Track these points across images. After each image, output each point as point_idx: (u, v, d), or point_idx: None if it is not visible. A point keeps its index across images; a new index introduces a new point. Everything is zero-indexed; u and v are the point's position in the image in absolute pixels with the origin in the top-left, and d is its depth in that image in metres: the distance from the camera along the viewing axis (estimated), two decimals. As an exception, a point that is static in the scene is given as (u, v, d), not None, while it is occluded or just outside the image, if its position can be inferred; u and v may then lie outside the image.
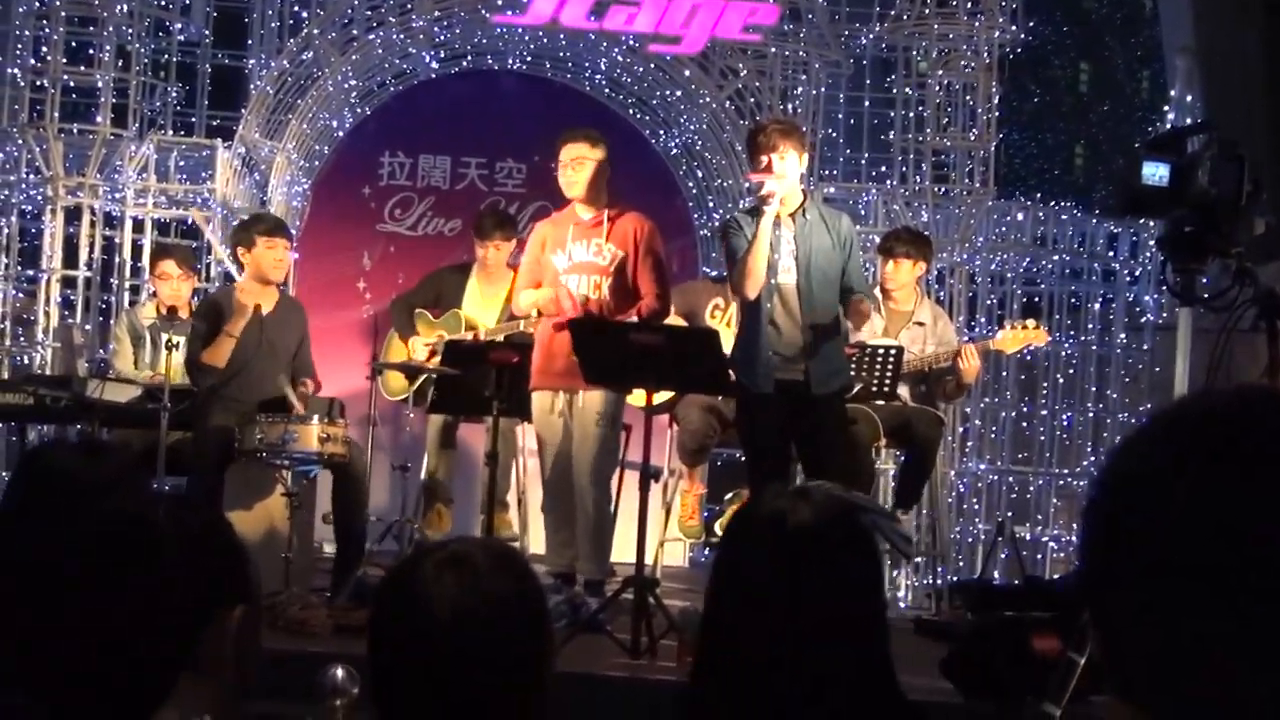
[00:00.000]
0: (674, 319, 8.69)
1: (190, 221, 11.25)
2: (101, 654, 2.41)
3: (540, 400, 8.09)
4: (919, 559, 10.20)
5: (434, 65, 11.97)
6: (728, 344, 7.65)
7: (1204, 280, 4.55)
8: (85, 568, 2.45)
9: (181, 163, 11.07)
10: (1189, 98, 11.06)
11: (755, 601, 2.58)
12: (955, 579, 9.85)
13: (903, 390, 9.11)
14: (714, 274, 10.00)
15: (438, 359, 9.00)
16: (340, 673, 3.22)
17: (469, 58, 12.10)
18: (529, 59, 12.10)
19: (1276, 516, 1.28)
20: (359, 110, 11.99)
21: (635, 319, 7.88)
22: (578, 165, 8.02)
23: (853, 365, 8.53)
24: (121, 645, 2.40)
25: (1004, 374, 11.39)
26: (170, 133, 11.47)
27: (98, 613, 2.41)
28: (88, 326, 10.81)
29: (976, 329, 11.09)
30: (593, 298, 7.97)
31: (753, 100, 11.44)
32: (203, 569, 2.48)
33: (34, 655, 2.45)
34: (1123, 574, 1.35)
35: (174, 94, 11.70)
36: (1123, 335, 11.69)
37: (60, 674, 2.44)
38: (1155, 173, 4.26)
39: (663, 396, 8.63)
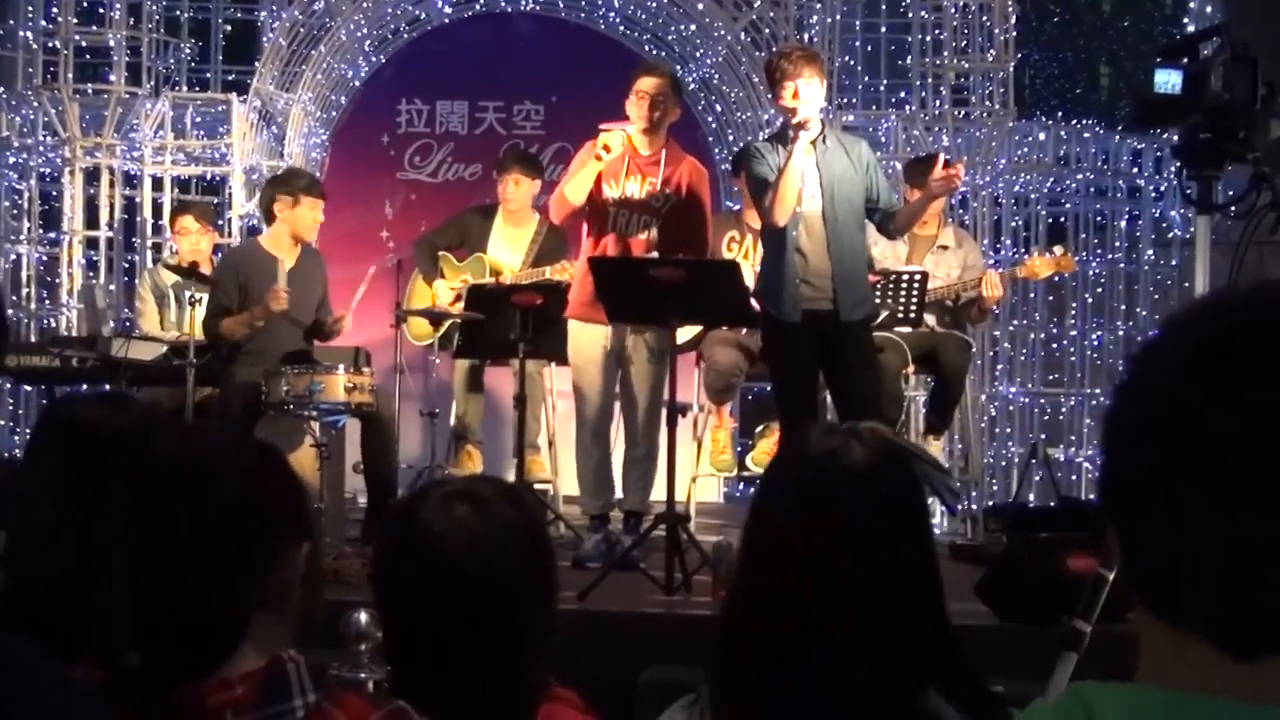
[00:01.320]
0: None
1: (210, 178, 11.25)
2: (179, 595, 2.43)
3: (582, 332, 7.97)
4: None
5: (447, 10, 11.93)
6: (747, 277, 7.61)
7: (1229, 192, 4.51)
8: (155, 511, 2.46)
9: (198, 119, 11.06)
10: (1208, 9, 10.93)
11: (797, 539, 2.53)
12: (990, 503, 9.82)
13: (929, 317, 9.07)
14: (735, 206, 9.93)
15: (462, 304, 8.98)
16: (364, 617, 3.21)
17: (481, 1, 12.04)
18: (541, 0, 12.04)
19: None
20: (374, 59, 11.96)
21: None
22: (657, 103, 7.88)
23: (878, 292, 8.49)
24: (198, 584, 2.42)
25: (1032, 295, 11.32)
26: (185, 89, 11.45)
27: (172, 555, 2.43)
28: (111, 287, 10.82)
29: (1002, 251, 11.02)
30: (638, 237, 7.90)
31: (768, 31, 11.36)
32: (268, 506, 2.50)
33: (114, 602, 2.47)
34: (1135, 476, 1.33)
35: (187, 50, 11.67)
36: (1150, 252, 11.61)
37: (143, 618, 2.46)
38: (1168, 80, 4.22)
39: (687, 334, 8.59)
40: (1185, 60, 4.33)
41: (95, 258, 10.87)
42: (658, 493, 7.82)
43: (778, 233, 7.41)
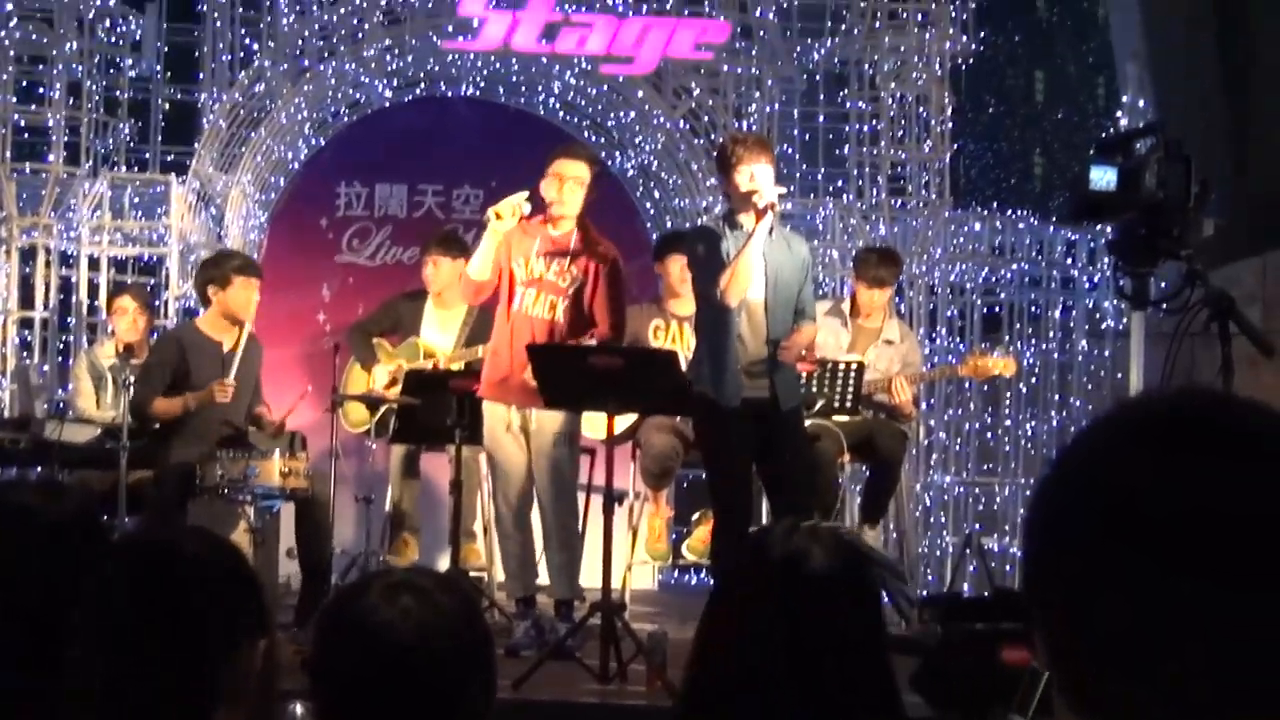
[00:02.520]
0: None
1: (147, 259, 11.22)
2: (139, 693, 2.40)
3: (493, 413, 7.94)
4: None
5: (387, 94, 11.96)
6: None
7: (1163, 285, 4.56)
8: (112, 604, 2.44)
9: (136, 199, 11.04)
10: (1141, 103, 11.09)
11: (757, 639, 2.53)
12: (924, 593, 9.83)
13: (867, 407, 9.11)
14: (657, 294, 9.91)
15: (399, 388, 8.97)
16: (299, 709, 3.19)
17: (422, 85, 12.09)
18: (482, 84, 12.08)
19: (1201, 504, 1.28)
20: (313, 141, 11.97)
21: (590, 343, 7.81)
22: (576, 184, 7.89)
23: (815, 381, 8.53)
24: (157, 682, 2.40)
25: (967, 386, 11.37)
26: (124, 169, 11.42)
27: (130, 651, 2.41)
28: (45, 367, 10.75)
29: (938, 340, 11.10)
30: (546, 318, 7.89)
31: (707, 119, 11.44)
32: (226, 600, 2.49)
33: (70, 692, 2.45)
34: (1073, 552, 1.34)
35: (127, 130, 11.65)
36: (1084, 343, 11.69)
37: (100, 713, 2.43)
38: (1103, 177, 4.27)
39: (623, 424, 8.58)
40: (1120, 157, 4.38)
41: (30, 338, 10.80)
42: (590, 578, 7.80)
43: (721, 317, 7.41)
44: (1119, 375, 11.25)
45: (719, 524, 7.74)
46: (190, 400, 8.49)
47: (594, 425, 8.07)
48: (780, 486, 7.51)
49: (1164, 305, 4.46)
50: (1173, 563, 1.27)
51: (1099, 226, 10.87)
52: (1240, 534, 1.27)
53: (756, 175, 7.33)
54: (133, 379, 8.35)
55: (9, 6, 10.84)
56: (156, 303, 10.54)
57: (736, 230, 7.40)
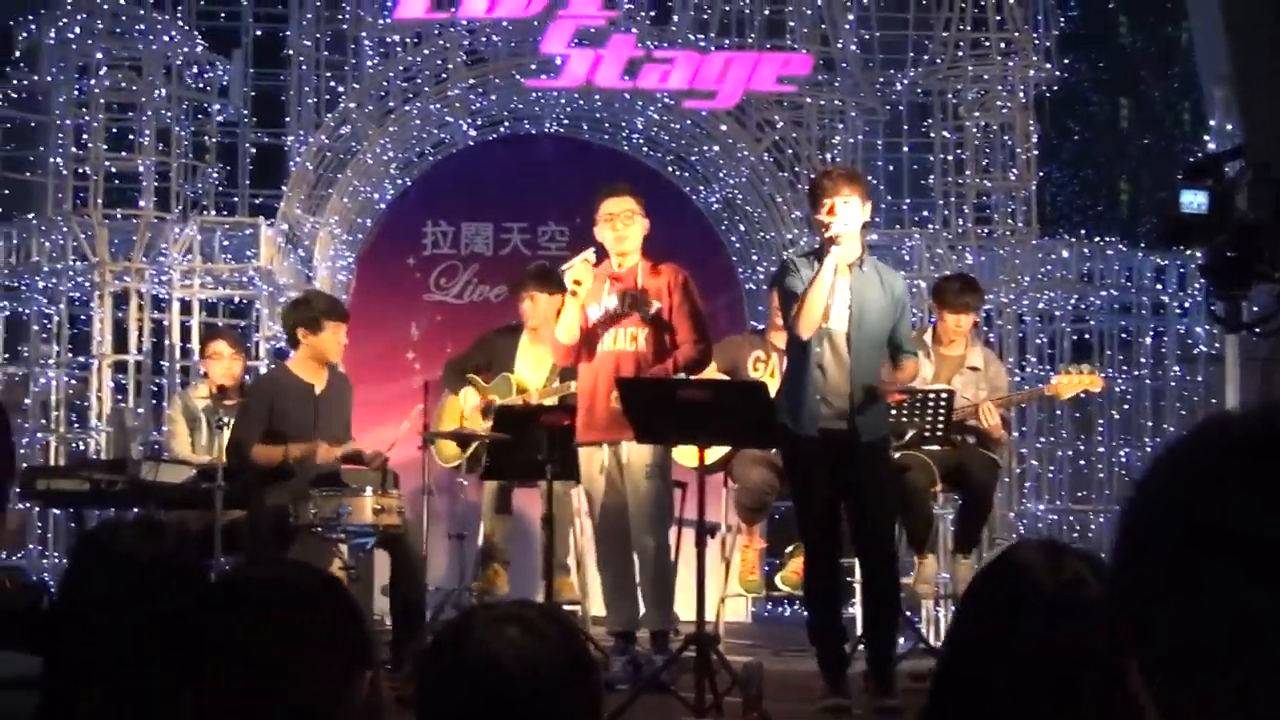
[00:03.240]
0: (716, 375, 8.66)
1: (237, 301, 11.32)
2: None
3: (586, 456, 8.02)
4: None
5: (471, 133, 12.03)
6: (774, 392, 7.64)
7: (1254, 309, 4.52)
8: (222, 640, 2.47)
9: (226, 243, 11.14)
10: (1229, 126, 11.00)
11: (1031, 665, 2.43)
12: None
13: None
14: (760, 326, 9.95)
15: (489, 420, 9.00)
16: (398, 743, 3.21)
17: (506, 123, 12.16)
18: (566, 121, 12.14)
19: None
20: (399, 181, 12.06)
21: (671, 367, 7.85)
22: (628, 219, 7.97)
23: (904, 411, 8.50)
24: (267, 714, 2.42)
25: (1059, 413, 11.32)
26: (213, 213, 11.54)
27: (239, 685, 2.43)
28: (140, 410, 10.86)
29: (1028, 369, 11.05)
30: (630, 350, 7.93)
31: (791, 151, 11.45)
32: (334, 633, 2.50)
33: None
34: (1140, 575, 1.34)
35: (215, 175, 11.76)
36: (1176, 368, 11.61)
37: None
38: (1194, 200, 4.25)
39: (715, 454, 8.59)
40: (1210, 180, 4.36)
41: (124, 381, 10.92)
42: (685, 612, 7.80)
43: (802, 347, 7.43)
44: (1212, 400, 11.16)
45: (805, 556, 7.75)
46: (293, 451, 8.56)
47: (687, 455, 8.09)
48: (861, 519, 7.49)
49: (1258, 328, 4.43)
50: (1249, 573, 1.27)
51: (1188, 251, 10.80)
52: None
53: (837, 208, 7.33)
54: (227, 420, 8.41)
55: (99, 56, 10.99)
56: (248, 345, 10.63)
57: (814, 261, 7.42)
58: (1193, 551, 1.30)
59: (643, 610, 8.01)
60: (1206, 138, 11.81)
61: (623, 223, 7.96)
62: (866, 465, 7.43)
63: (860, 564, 8.09)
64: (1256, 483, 1.29)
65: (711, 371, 8.51)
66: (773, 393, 7.72)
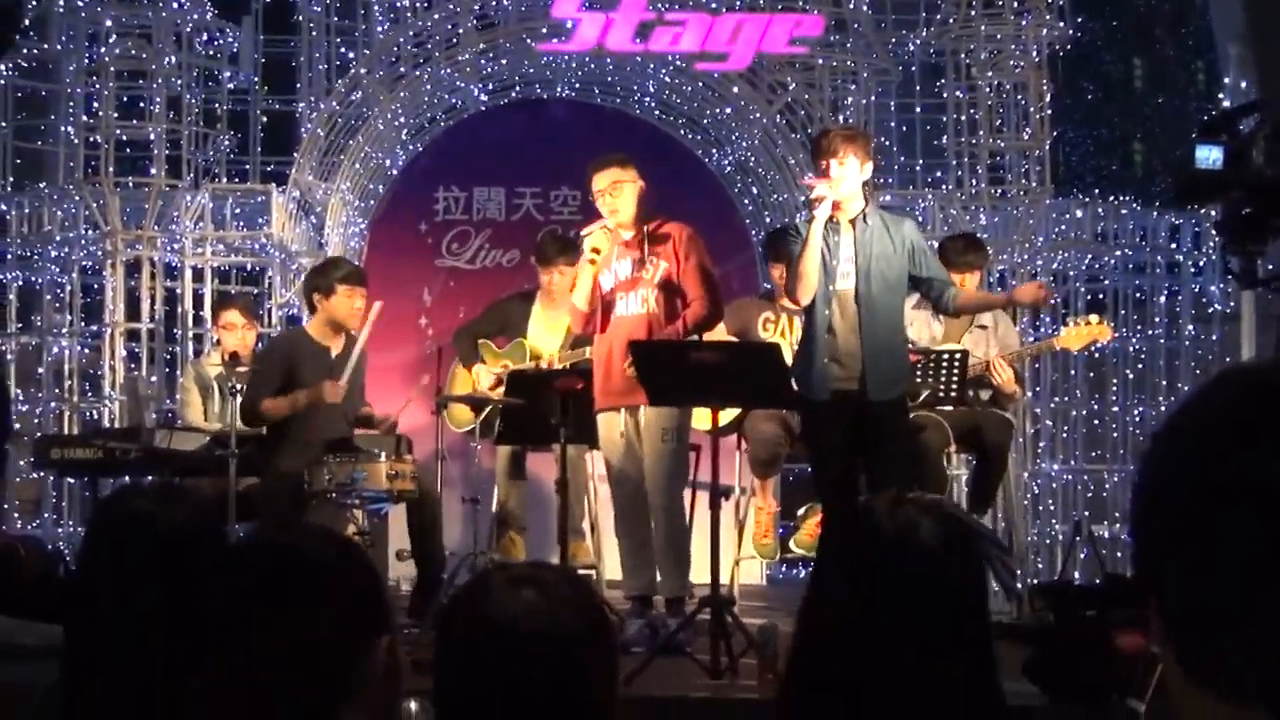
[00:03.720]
0: (726, 337, 8.66)
1: (250, 269, 11.32)
2: (267, 691, 2.43)
3: (604, 421, 8.04)
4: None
5: (483, 98, 12.00)
6: (788, 357, 7.63)
7: (1269, 265, 4.50)
8: (244, 603, 2.47)
9: (237, 210, 11.14)
10: (1244, 84, 10.95)
11: (862, 615, 2.54)
12: (1035, 581, 9.76)
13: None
14: (769, 287, 9.92)
15: (503, 388, 9.00)
16: (414, 706, 3.20)
17: (517, 88, 12.12)
18: (577, 85, 12.11)
19: None
20: (411, 147, 12.03)
21: (682, 327, 7.85)
22: (616, 190, 7.98)
23: (918, 372, 8.47)
24: (287, 679, 2.42)
25: (1073, 373, 11.30)
26: (225, 181, 11.53)
27: (259, 649, 2.43)
28: (153, 378, 10.87)
29: (1042, 329, 11.02)
30: (642, 313, 7.94)
31: (803, 113, 11.41)
32: (353, 598, 2.50)
33: (204, 695, 2.48)
34: (1156, 528, 1.33)
35: (226, 142, 11.75)
36: (1190, 327, 11.57)
37: (225, 714, 2.46)
38: (1209, 156, 4.22)
39: (728, 416, 8.58)
40: (1225, 136, 4.33)
41: (137, 350, 10.93)
42: (700, 575, 7.80)
43: (811, 311, 7.44)
44: (1227, 359, 11.13)
45: (822, 517, 7.75)
46: (301, 398, 8.54)
47: (700, 418, 8.09)
48: (877, 479, 7.48)
49: (1273, 284, 4.40)
50: (1266, 526, 1.26)
51: (1202, 210, 10.76)
52: None
53: (832, 169, 7.33)
54: (240, 386, 8.41)
55: (108, 24, 10.97)
56: (260, 311, 10.63)
57: (827, 225, 7.41)
58: (1209, 505, 1.29)
59: (659, 576, 8.02)
60: (1221, 96, 11.76)
61: (611, 195, 7.97)
62: (881, 425, 7.43)
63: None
64: (1273, 435, 1.28)
65: (721, 333, 8.51)
66: (788, 354, 7.72)
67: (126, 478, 9.02)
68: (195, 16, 11.21)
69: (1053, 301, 11.18)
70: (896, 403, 7.56)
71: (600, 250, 7.84)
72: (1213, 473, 1.29)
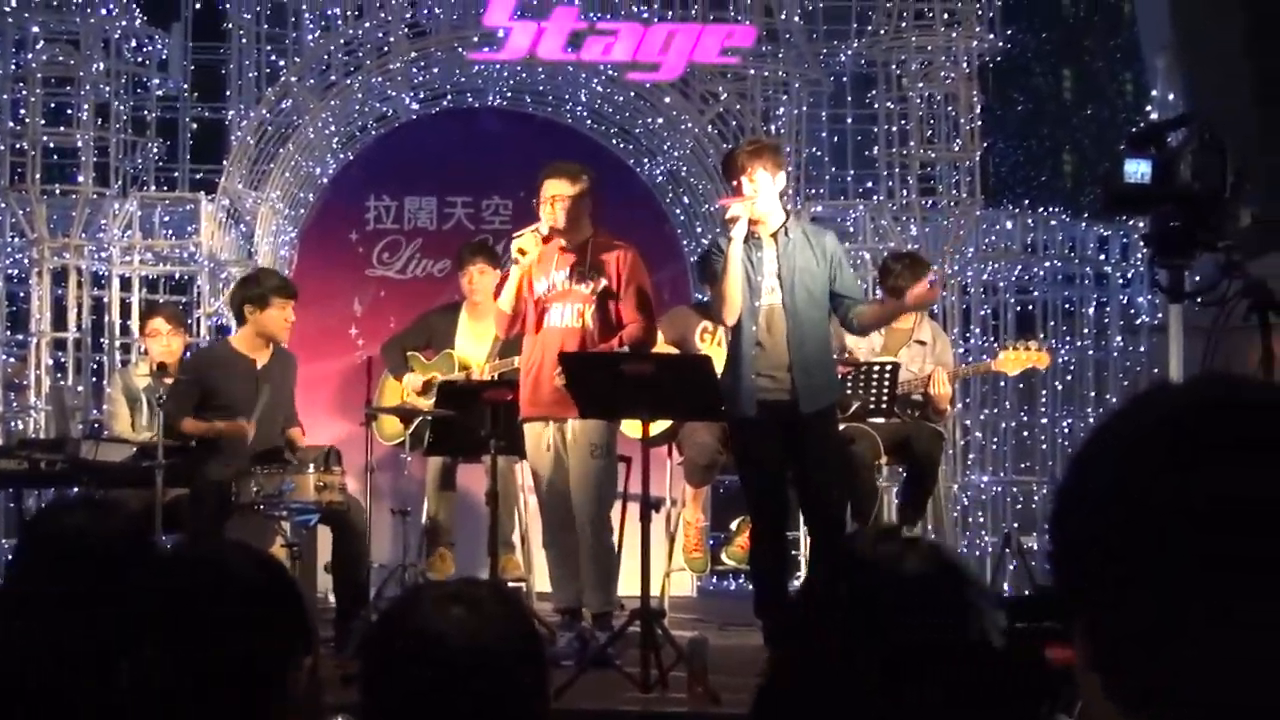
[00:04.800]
0: (664, 346, 8.66)
1: (178, 277, 11.24)
2: (189, 709, 2.40)
3: (531, 431, 8.01)
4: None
5: (414, 106, 11.95)
6: (719, 365, 7.63)
7: (1197, 278, 4.52)
8: (165, 622, 2.44)
9: (166, 218, 11.07)
10: (1171, 96, 11.04)
11: (843, 647, 2.50)
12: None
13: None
14: (702, 298, 9.94)
15: (432, 397, 8.97)
16: (340, 722, 3.17)
17: (449, 97, 12.08)
18: (509, 94, 12.08)
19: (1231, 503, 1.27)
20: (341, 156, 11.97)
21: (616, 345, 7.84)
22: (556, 202, 7.96)
23: (849, 384, 8.49)
24: (208, 699, 2.39)
25: (1002, 384, 11.33)
26: (153, 189, 11.43)
27: (180, 669, 2.40)
28: (80, 388, 10.76)
29: (972, 340, 11.06)
30: (575, 326, 7.92)
31: (735, 123, 11.41)
32: (273, 617, 2.48)
33: (122, 710, 2.45)
34: (1079, 553, 1.33)
35: (155, 150, 11.65)
36: (1119, 339, 11.64)
37: None
38: (1137, 169, 4.23)
39: (659, 427, 8.58)
40: (1153, 149, 4.35)
41: (63, 359, 10.82)
42: (630, 587, 7.79)
43: (737, 327, 7.45)
44: (1155, 370, 11.20)
45: (751, 529, 7.76)
46: (220, 427, 8.53)
47: (632, 427, 8.08)
48: (808, 490, 7.50)
49: (1201, 297, 4.42)
50: (1186, 550, 1.26)
51: (1131, 221, 10.82)
52: (1248, 520, 1.26)
53: (744, 186, 7.36)
54: (167, 391, 8.36)
55: (35, 30, 10.86)
56: (189, 321, 10.55)
57: (748, 241, 7.42)
58: (1136, 524, 1.28)
59: (585, 590, 8.01)
60: (1149, 108, 11.83)
61: (552, 205, 7.95)
62: (811, 435, 7.46)
63: (809, 533, 8.10)
64: (1197, 453, 1.28)
65: (660, 343, 8.51)
66: (717, 364, 7.72)
67: (52, 489, 8.93)
68: (124, 23, 11.11)
69: (983, 312, 11.23)
70: (826, 412, 7.59)
71: (526, 252, 7.82)
72: (1138, 492, 1.29)
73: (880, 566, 2.50)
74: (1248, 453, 1.28)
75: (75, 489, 8.82)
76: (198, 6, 11.94)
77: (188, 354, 9.64)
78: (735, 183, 7.41)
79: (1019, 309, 11.61)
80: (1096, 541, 1.32)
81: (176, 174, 11.89)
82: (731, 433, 7.68)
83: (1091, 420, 11.39)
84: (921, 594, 2.49)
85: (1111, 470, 1.33)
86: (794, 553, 9.14)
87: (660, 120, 11.73)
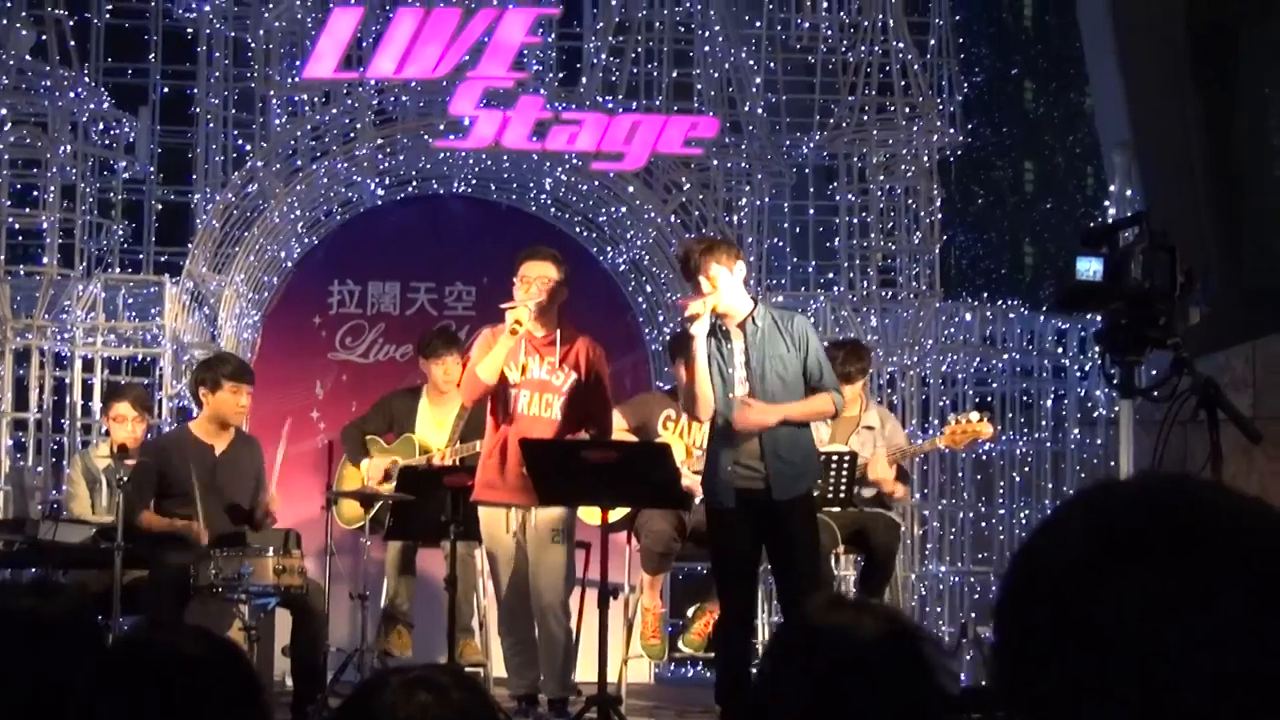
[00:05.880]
0: (624, 434, 8.70)
1: (141, 359, 11.25)
2: None
3: (488, 515, 8.01)
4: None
5: (379, 192, 12.01)
6: (680, 456, 7.67)
7: (1153, 372, 4.59)
8: (116, 706, 2.45)
9: (130, 300, 11.07)
10: (1129, 192, 11.16)
11: (806, 713, 2.53)
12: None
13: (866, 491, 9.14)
14: (666, 387, 9.99)
15: (392, 483, 8.99)
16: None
17: (414, 183, 12.15)
18: (474, 182, 12.15)
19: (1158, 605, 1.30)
20: (306, 240, 12.01)
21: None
22: (542, 286, 7.99)
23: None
24: None
25: (960, 475, 11.40)
26: (118, 271, 11.45)
27: None
28: (40, 469, 10.75)
29: (930, 431, 11.12)
30: (543, 416, 7.95)
31: (698, 214, 11.49)
32: (228, 702, 2.49)
33: None
34: (1011, 655, 1.37)
35: (120, 232, 11.69)
36: (1076, 431, 11.72)
37: None
38: (1089, 268, 4.31)
39: (619, 514, 8.61)
40: (1106, 247, 4.43)
41: (24, 439, 10.81)
42: (587, 673, 7.80)
43: (714, 419, 7.48)
44: (1111, 463, 11.27)
45: (719, 614, 7.78)
46: (177, 525, 8.55)
47: (590, 513, 8.10)
48: (783, 575, 7.54)
49: (1152, 393, 4.49)
50: (1097, 658, 1.29)
51: (1088, 316, 10.92)
52: (1152, 631, 1.30)
53: (702, 285, 7.39)
54: (127, 479, 8.36)
55: (3, 111, 10.91)
56: (151, 403, 10.55)
57: (714, 337, 7.45)
58: (1059, 629, 1.32)
59: (542, 676, 8.01)
60: (1108, 203, 11.96)
61: (537, 288, 7.97)
62: (786, 523, 7.45)
63: (785, 619, 8.06)
64: (1118, 562, 1.32)
65: (621, 429, 8.55)
66: (678, 453, 7.76)
67: (9, 571, 8.90)
68: (92, 106, 11.17)
69: (942, 404, 11.30)
70: (800, 500, 7.57)
71: (522, 323, 7.83)
72: (1058, 596, 1.33)
73: (836, 634, 2.54)
74: (1157, 561, 1.32)
75: (34, 570, 8.80)
76: (166, 90, 12.00)
77: (150, 436, 9.64)
78: (694, 282, 7.44)
79: (977, 401, 11.68)
80: (1021, 641, 1.36)
81: (141, 256, 11.92)
82: (708, 520, 7.70)
83: (1049, 512, 11.42)
84: (879, 658, 2.53)
85: (1038, 573, 1.38)
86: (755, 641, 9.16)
87: (623, 209, 11.81)
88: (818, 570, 7.80)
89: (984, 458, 11.24)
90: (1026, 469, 11.67)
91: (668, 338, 10.43)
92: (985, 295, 13.96)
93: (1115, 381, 4.51)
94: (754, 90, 11.72)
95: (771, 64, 11.97)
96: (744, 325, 7.51)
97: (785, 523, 7.45)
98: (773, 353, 7.48)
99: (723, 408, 7.42)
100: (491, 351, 8.01)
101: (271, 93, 11.56)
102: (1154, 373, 4.61)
